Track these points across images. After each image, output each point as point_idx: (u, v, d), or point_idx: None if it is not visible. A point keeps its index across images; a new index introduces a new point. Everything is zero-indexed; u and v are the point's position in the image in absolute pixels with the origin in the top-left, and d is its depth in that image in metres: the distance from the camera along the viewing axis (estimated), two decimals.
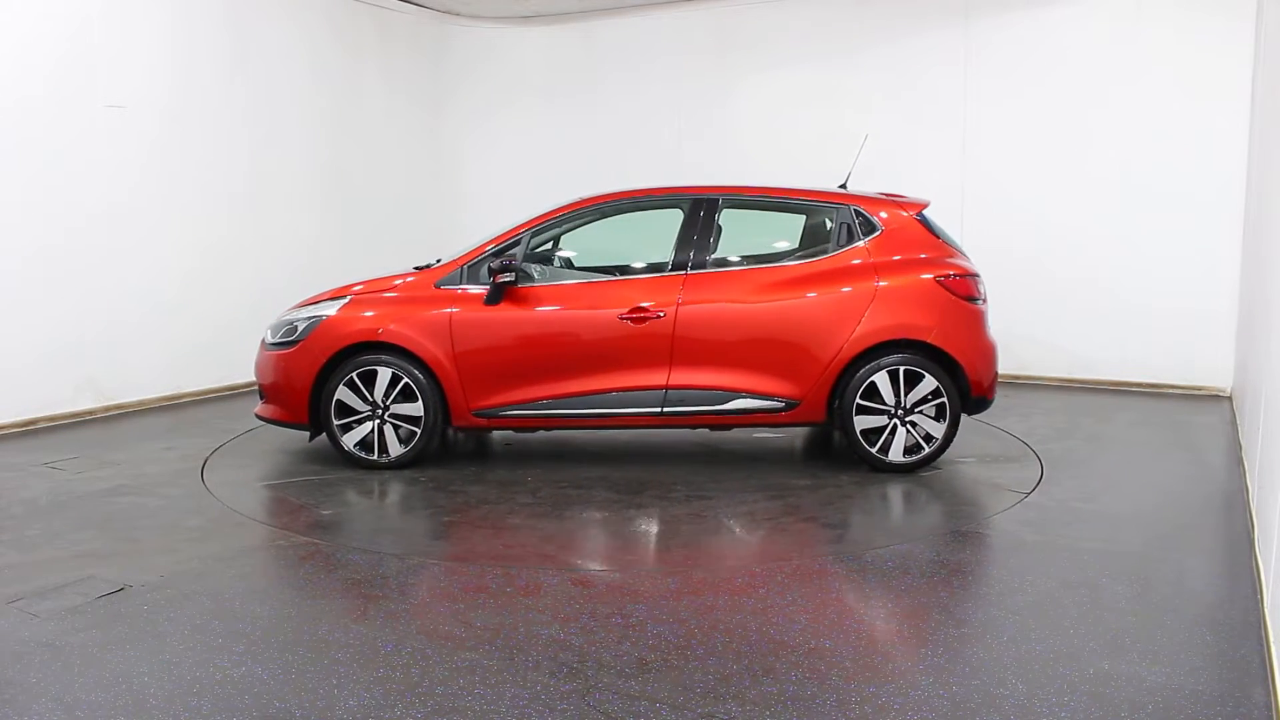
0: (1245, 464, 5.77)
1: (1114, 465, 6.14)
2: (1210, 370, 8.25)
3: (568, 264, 6.44)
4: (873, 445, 5.77)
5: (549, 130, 10.74)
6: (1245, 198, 7.82)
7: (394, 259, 8.80)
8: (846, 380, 5.76)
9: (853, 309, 5.75)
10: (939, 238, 5.99)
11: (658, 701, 3.09)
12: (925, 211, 6.07)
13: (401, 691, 3.16)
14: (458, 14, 10.61)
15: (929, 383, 5.69)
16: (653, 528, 4.99)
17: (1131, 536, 4.72)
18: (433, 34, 10.57)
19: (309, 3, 9.10)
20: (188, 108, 8.00)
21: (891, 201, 6.04)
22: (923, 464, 5.80)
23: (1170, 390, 8.36)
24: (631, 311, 5.80)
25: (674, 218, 6.09)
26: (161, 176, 7.84)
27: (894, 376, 5.72)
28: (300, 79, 9.03)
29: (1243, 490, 5.44)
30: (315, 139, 9.22)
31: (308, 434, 6.18)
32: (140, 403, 7.77)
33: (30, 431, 6.93)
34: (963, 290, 5.80)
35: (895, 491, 5.52)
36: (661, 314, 5.78)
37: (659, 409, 5.83)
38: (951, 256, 5.92)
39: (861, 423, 5.75)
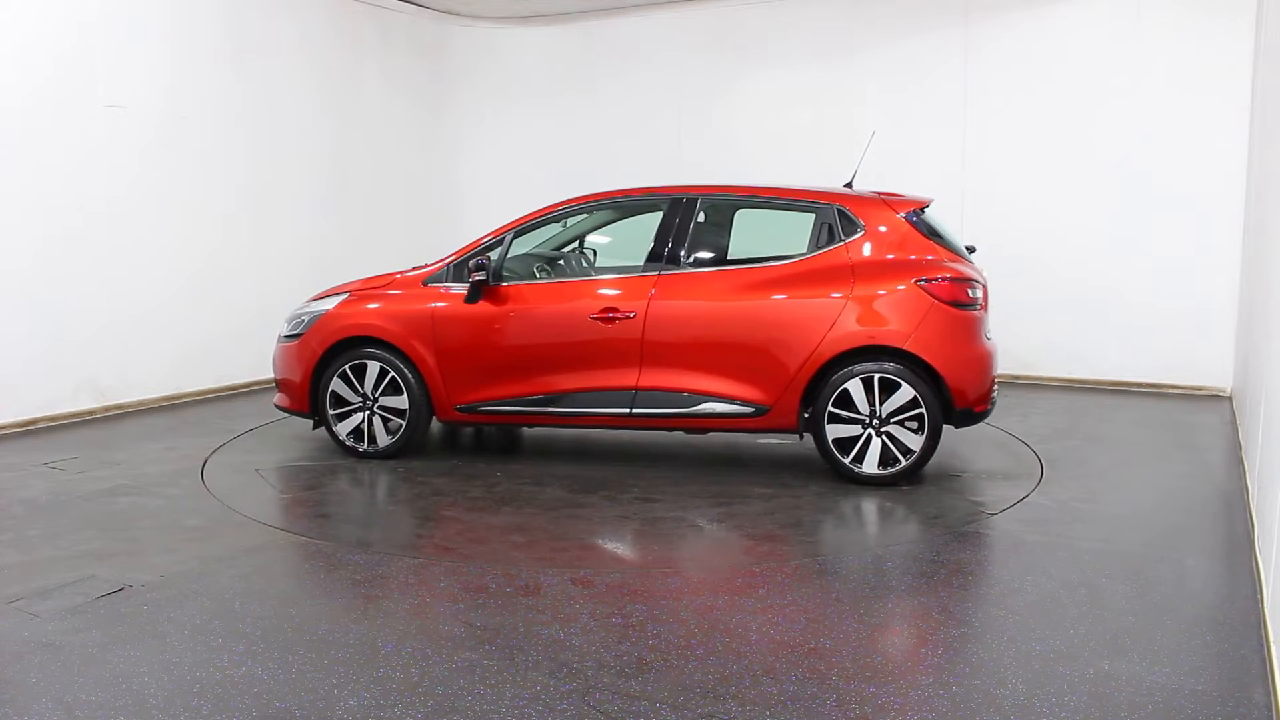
0: (1245, 464, 5.77)
1: (1114, 465, 6.13)
2: (1210, 370, 8.24)
3: (547, 264, 6.47)
4: (846, 455, 5.53)
5: (549, 130, 10.74)
6: (1245, 197, 7.82)
7: (393, 258, 8.81)
8: (819, 387, 5.55)
9: (825, 313, 5.51)
10: (931, 239, 5.69)
11: (658, 701, 3.09)
12: (924, 211, 5.83)
13: (401, 691, 3.16)
14: (458, 14, 10.61)
15: (905, 392, 5.40)
16: (572, 528, 4.95)
17: (1131, 536, 4.72)
18: (433, 34, 10.57)
19: (309, 3, 9.09)
20: (188, 108, 7.99)
21: (881, 201, 5.77)
22: (899, 478, 5.50)
23: (1170, 390, 8.36)
24: (603, 311, 5.78)
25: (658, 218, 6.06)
26: (161, 176, 7.84)
27: (868, 384, 5.45)
28: (300, 79, 9.03)
29: (1243, 490, 5.44)
30: (315, 139, 9.22)
31: (311, 423, 6.39)
32: (140, 403, 7.77)
33: (30, 431, 6.93)
34: (948, 295, 5.46)
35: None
36: (631, 314, 5.73)
37: (628, 410, 5.79)
38: (941, 259, 5.60)
39: (834, 432, 5.52)
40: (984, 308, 5.65)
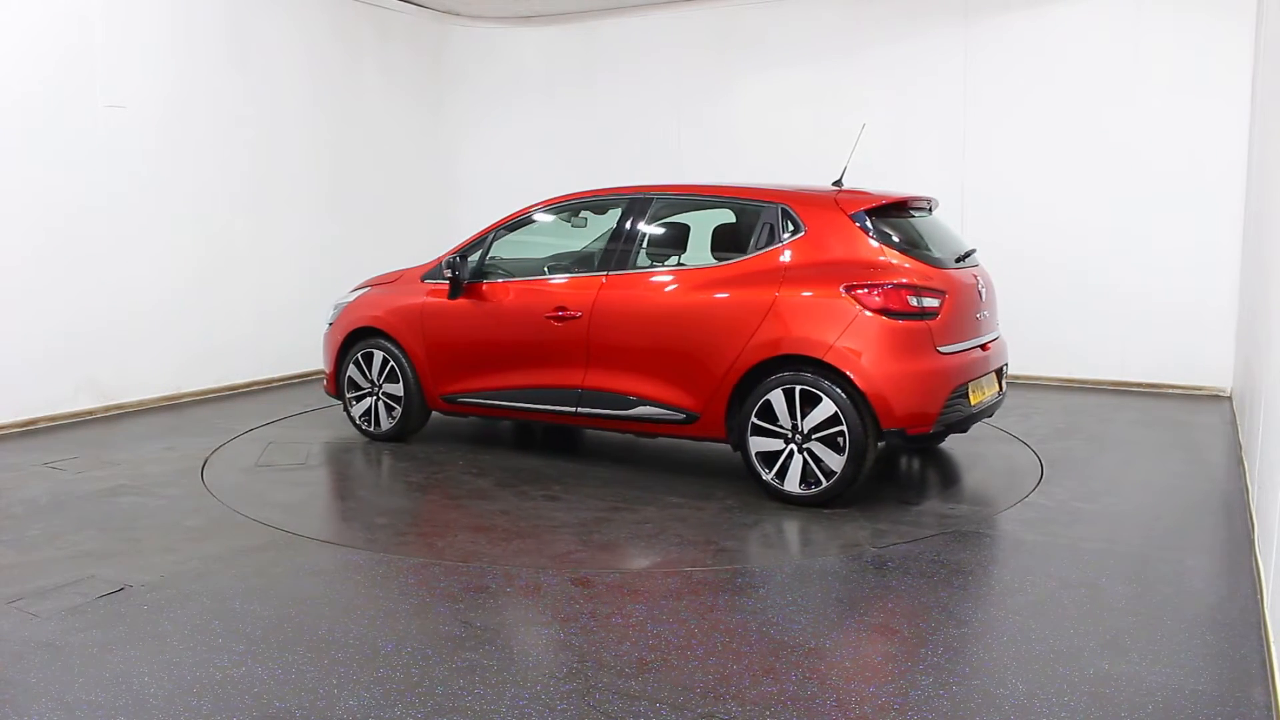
0: (1245, 464, 5.77)
1: (1114, 465, 6.13)
2: (1210, 370, 8.24)
3: (521, 263, 6.51)
4: (769, 470, 5.19)
5: (548, 129, 10.74)
6: (1245, 197, 7.82)
7: (393, 257, 8.82)
8: (744, 396, 5.30)
9: (748, 318, 5.23)
10: (882, 241, 5.20)
11: (658, 701, 3.09)
12: (896, 210, 5.44)
13: (401, 691, 3.16)
14: (458, 14, 10.61)
15: (827, 406, 5.00)
16: (438, 518, 5.11)
17: (1131, 536, 4.72)
18: (433, 34, 10.57)
19: (309, 2, 9.09)
20: (188, 107, 7.99)
21: (831, 200, 5.36)
22: (822, 500, 5.09)
23: (1170, 390, 8.36)
24: (555, 311, 5.86)
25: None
26: (161, 176, 7.84)
27: (790, 396, 5.11)
28: (300, 78, 9.03)
29: (1243, 490, 5.44)
30: (315, 138, 9.21)
31: (340, 404, 6.94)
32: (140, 403, 7.77)
33: (30, 431, 6.93)
34: (878, 303, 5.00)
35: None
36: (578, 315, 5.78)
37: (574, 409, 5.85)
38: (879, 263, 5.11)
39: (757, 444, 5.22)
40: (943, 318, 5.13)
